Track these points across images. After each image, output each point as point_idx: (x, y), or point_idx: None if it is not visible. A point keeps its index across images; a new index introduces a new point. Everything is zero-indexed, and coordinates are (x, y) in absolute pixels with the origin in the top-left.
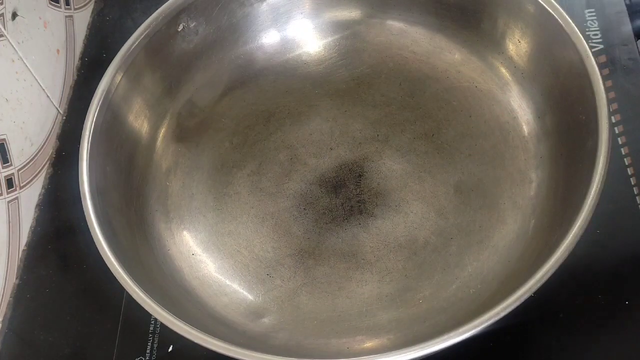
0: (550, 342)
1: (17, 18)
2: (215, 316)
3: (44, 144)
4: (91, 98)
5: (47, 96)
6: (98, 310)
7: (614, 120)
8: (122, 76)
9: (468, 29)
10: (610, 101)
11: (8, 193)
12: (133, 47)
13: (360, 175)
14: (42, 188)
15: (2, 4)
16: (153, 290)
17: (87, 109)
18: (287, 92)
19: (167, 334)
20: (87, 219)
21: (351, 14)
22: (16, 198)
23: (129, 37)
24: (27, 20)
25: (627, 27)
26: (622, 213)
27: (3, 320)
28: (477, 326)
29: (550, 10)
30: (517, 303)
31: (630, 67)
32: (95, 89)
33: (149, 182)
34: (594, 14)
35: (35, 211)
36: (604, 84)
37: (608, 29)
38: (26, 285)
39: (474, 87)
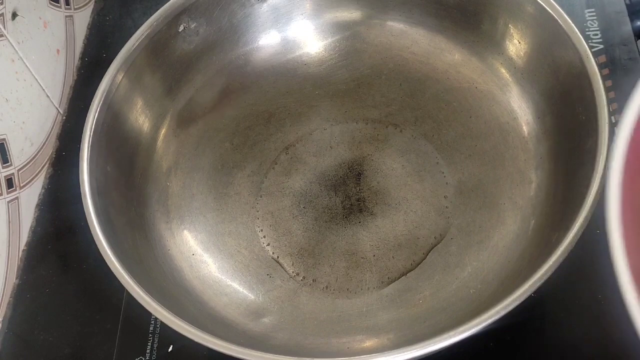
0: (550, 341)
1: (17, 18)
2: (216, 316)
3: (44, 144)
4: (91, 98)
5: (47, 96)
6: (98, 310)
7: (613, 120)
8: (123, 76)
9: (468, 29)
10: (610, 101)
11: (8, 193)
12: (134, 47)
13: (360, 174)
14: (42, 188)
15: (2, 4)
16: (153, 290)
17: (87, 109)
18: (287, 92)
19: (167, 334)
20: (87, 218)
21: (352, 15)
22: (16, 198)
23: (130, 37)
24: (27, 20)
25: (627, 27)
26: None
27: (3, 320)
28: (477, 325)
29: (550, 11)
30: (517, 302)
31: (630, 67)
32: (96, 89)
33: (150, 182)
34: (594, 14)
35: (35, 211)
36: (604, 84)
37: (608, 29)
38: (26, 285)
39: (474, 87)
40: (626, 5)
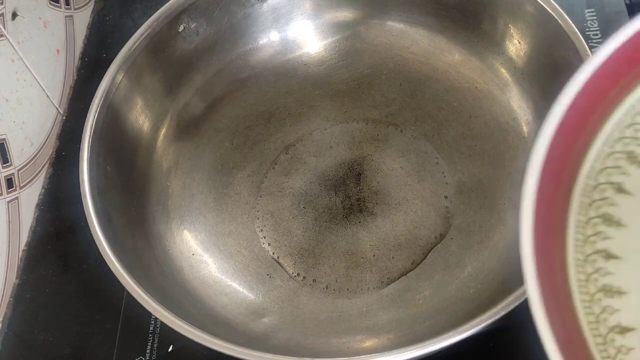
0: None
1: (17, 18)
2: (215, 316)
3: (44, 144)
4: (91, 98)
5: (47, 96)
6: (98, 310)
7: None
8: (123, 76)
9: (468, 29)
10: None
11: (8, 193)
12: (134, 47)
13: (360, 174)
14: (42, 188)
15: (2, 4)
16: (153, 290)
17: (87, 109)
18: (287, 92)
19: (167, 334)
20: (87, 218)
21: (351, 15)
22: (16, 198)
23: (130, 37)
24: (27, 20)
25: None
26: None
27: (3, 320)
28: (477, 325)
29: (550, 11)
30: (517, 302)
31: None
32: (95, 89)
33: (150, 182)
34: (594, 14)
35: (35, 211)
36: None
37: (608, 29)
38: (26, 285)
39: (474, 87)
40: (626, 5)
